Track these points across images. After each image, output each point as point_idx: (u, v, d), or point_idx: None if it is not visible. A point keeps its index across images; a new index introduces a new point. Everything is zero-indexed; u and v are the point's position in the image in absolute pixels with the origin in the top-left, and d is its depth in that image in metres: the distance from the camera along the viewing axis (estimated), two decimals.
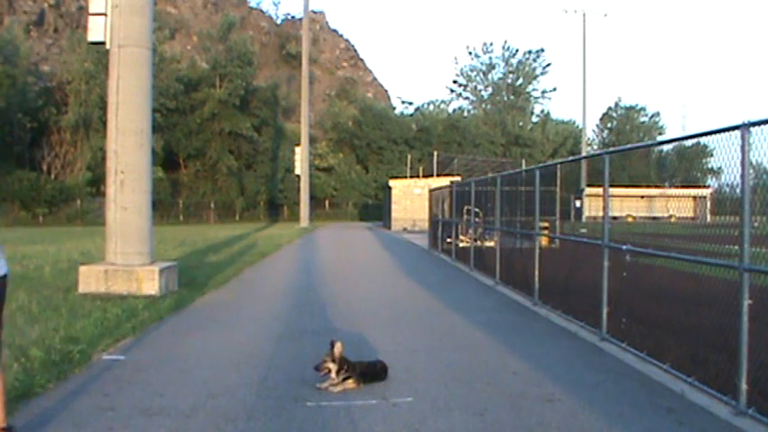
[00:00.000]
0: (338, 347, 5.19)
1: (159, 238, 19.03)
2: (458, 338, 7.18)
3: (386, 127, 59.60)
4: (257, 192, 52.62)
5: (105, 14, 9.95)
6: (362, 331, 7.38)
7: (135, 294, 9.46)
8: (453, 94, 76.33)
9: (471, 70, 76.04)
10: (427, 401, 4.85)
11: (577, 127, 66.40)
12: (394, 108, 71.88)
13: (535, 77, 73.93)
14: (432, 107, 71.23)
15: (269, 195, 53.10)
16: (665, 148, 68.27)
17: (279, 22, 79.66)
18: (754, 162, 4.62)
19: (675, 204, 7.18)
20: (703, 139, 5.89)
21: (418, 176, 44.40)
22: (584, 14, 54.26)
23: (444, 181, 27.47)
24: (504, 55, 74.74)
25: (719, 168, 5.04)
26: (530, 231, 9.92)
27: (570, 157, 41.08)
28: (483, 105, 74.74)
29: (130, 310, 8.12)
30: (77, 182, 41.67)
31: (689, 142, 10.34)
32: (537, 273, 9.45)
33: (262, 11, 79.52)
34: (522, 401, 4.87)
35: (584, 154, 46.97)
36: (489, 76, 75.32)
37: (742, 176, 4.63)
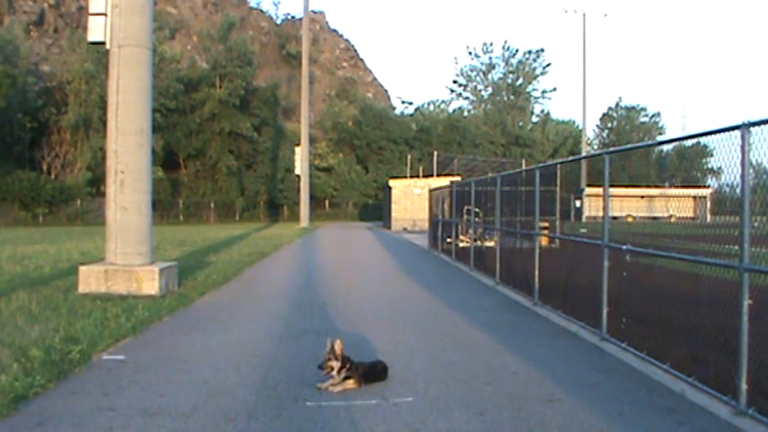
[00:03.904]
0: (338, 345, 5.19)
1: (159, 238, 19.05)
2: (458, 338, 7.18)
3: (386, 127, 59.60)
4: (257, 192, 52.64)
5: (105, 14, 9.95)
6: (363, 331, 7.38)
7: (135, 294, 9.46)
8: (453, 94, 76.55)
9: (471, 70, 76.22)
10: (427, 401, 4.85)
11: (577, 127, 66.46)
12: (394, 108, 71.98)
13: (535, 77, 74.01)
14: (432, 107, 71.34)
15: (269, 195, 53.11)
16: (665, 148, 68.24)
17: (279, 22, 79.70)
18: (754, 162, 4.62)
19: (675, 204, 7.19)
20: (703, 139, 5.89)
21: (418, 176, 44.41)
22: (584, 14, 54.33)
23: (444, 181, 27.46)
24: (504, 55, 74.95)
25: (719, 168, 5.04)
26: (530, 231, 9.91)
27: (570, 157, 41.14)
28: (483, 105, 74.78)
29: (130, 310, 8.12)
30: (77, 182, 41.68)
31: (689, 142, 10.35)
32: (537, 273, 9.45)
33: (262, 11, 79.59)
34: (522, 401, 4.87)
35: (584, 154, 46.98)
36: (489, 76, 75.44)
37: (742, 176, 4.63)
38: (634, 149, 20.42)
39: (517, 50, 75.55)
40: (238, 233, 29.90)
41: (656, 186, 56.01)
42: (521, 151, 62.42)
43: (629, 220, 31.38)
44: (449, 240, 17.97)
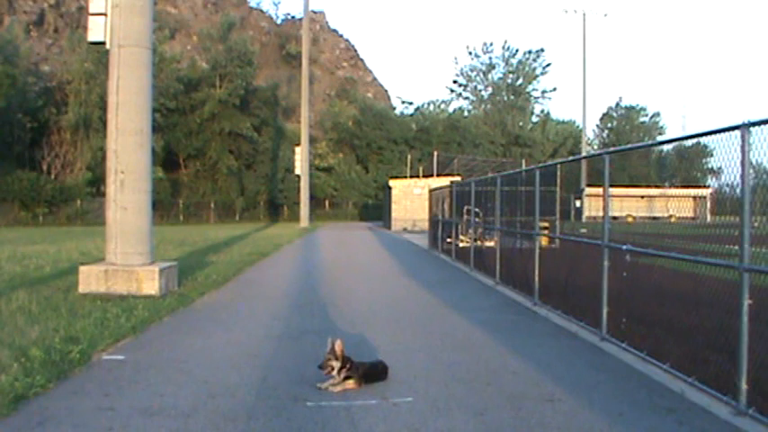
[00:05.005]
0: (339, 345, 5.19)
1: (159, 238, 19.04)
2: (458, 338, 7.18)
3: (386, 127, 59.59)
4: (257, 192, 52.63)
5: (105, 14, 9.95)
6: (363, 331, 7.39)
7: (135, 294, 9.46)
8: (453, 94, 76.39)
9: (471, 70, 76.08)
10: (427, 401, 4.85)
11: (577, 127, 66.46)
12: (394, 108, 71.89)
13: (535, 77, 73.90)
14: (432, 107, 71.28)
15: (269, 195, 53.10)
16: (665, 148, 68.20)
17: (279, 22, 79.68)
18: (754, 162, 4.62)
19: (675, 204, 7.20)
20: (703, 139, 5.88)
21: (418, 176, 44.38)
22: (584, 14, 54.39)
23: (444, 181, 27.46)
24: (504, 55, 74.77)
25: (719, 168, 5.04)
26: (530, 231, 9.91)
27: (570, 157, 41.14)
28: (483, 105, 74.71)
29: (130, 310, 8.12)
30: (77, 182, 41.66)
31: (689, 142, 10.36)
32: (537, 273, 9.45)
33: (262, 11, 79.57)
34: (522, 401, 4.87)
35: (584, 154, 46.98)
36: (489, 76, 75.33)
37: (742, 176, 4.63)
38: (634, 149, 20.43)
39: (517, 50, 75.39)
40: (238, 233, 29.90)
41: (656, 186, 56.00)
42: (521, 151, 62.39)
43: (630, 220, 31.39)
44: (449, 240, 17.97)
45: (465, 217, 15.76)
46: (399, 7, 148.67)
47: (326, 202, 57.13)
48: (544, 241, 9.81)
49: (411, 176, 45.74)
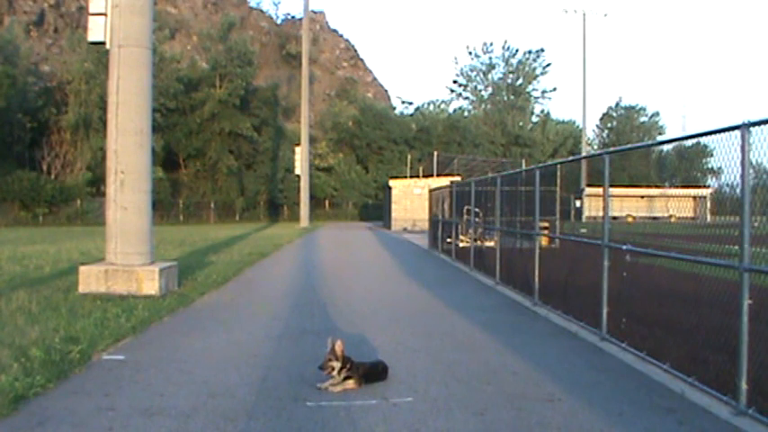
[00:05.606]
0: (339, 345, 5.19)
1: (159, 238, 19.04)
2: (458, 338, 7.18)
3: (386, 127, 59.57)
4: (257, 192, 52.63)
5: (105, 14, 9.95)
6: (363, 331, 7.38)
7: (135, 294, 9.46)
8: (453, 94, 76.48)
9: (471, 70, 76.17)
10: (427, 401, 4.85)
11: (577, 127, 66.44)
12: (394, 108, 71.89)
13: (535, 77, 73.95)
14: (432, 107, 71.28)
15: (269, 195, 53.10)
16: (665, 148, 68.22)
17: (279, 22, 79.74)
18: (754, 162, 4.62)
19: (675, 204, 7.19)
20: (703, 139, 5.88)
21: (418, 176, 44.38)
22: (584, 14, 54.37)
23: (444, 181, 27.47)
24: (504, 55, 74.88)
25: (719, 168, 5.04)
26: (530, 231, 9.91)
27: (570, 157, 41.17)
28: (483, 105, 74.75)
29: (130, 310, 8.12)
30: (77, 182, 41.66)
31: (689, 142, 10.34)
32: (537, 273, 9.45)
33: (262, 11, 79.64)
34: (522, 401, 4.86)
35: (584, 154, 46.97)
36: (489, 76, 75.40)
37: (742, 176, 4.63)
38: (634, 149, 20.40)
39: (517, 50, 75.48)
40: (238, 233, 29.90)
41: (656, 186, 55.99)
42: (521, 151, 62.40)
43: (629, 220, 31.38)
44: (449, 240, 17.97)
45: (465, 217, 15.76)
46: (399, 7, 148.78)
47: (326, 202, 57.13)
48: (544, 241, 9.81)
49: (411, 176, 45.74)
